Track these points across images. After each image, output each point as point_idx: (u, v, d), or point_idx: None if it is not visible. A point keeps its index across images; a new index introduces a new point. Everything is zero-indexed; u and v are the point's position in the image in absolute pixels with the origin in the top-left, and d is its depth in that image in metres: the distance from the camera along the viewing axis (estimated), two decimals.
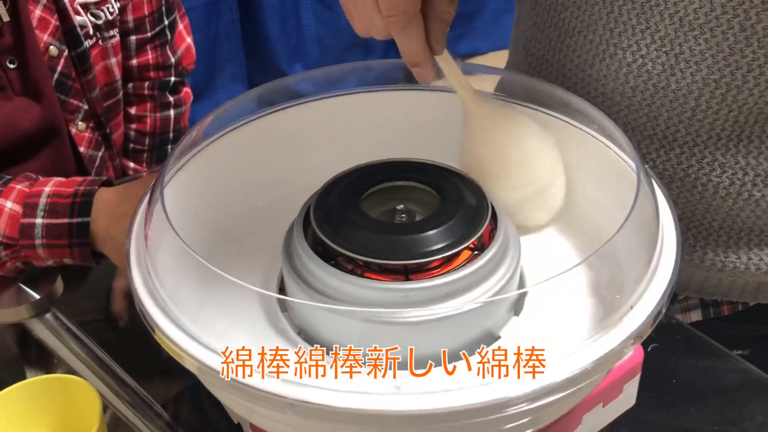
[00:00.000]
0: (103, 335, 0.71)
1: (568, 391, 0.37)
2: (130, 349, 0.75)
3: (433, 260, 0.44)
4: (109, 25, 0.87)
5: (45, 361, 0.79)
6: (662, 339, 0.59)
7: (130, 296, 0.81)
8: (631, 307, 0.40)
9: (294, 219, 0.48)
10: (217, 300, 0.45)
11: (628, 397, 0.52)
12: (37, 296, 0.65)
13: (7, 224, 0.62)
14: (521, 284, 0.49)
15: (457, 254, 0.45)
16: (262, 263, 0.51)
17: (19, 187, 0.64)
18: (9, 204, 0.63)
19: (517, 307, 0.47)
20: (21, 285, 0.66)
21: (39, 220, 0.62)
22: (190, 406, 0.66)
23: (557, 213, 0.53)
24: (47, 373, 0.77)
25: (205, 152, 0.53)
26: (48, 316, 0.65)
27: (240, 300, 0.46)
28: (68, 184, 0.65)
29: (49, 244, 0.63)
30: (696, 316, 0.66)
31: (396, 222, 0.48)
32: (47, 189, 0.64)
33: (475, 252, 0.45)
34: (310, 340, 0.45)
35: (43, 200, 0.63)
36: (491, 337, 0.45)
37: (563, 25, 0.60)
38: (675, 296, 0.66)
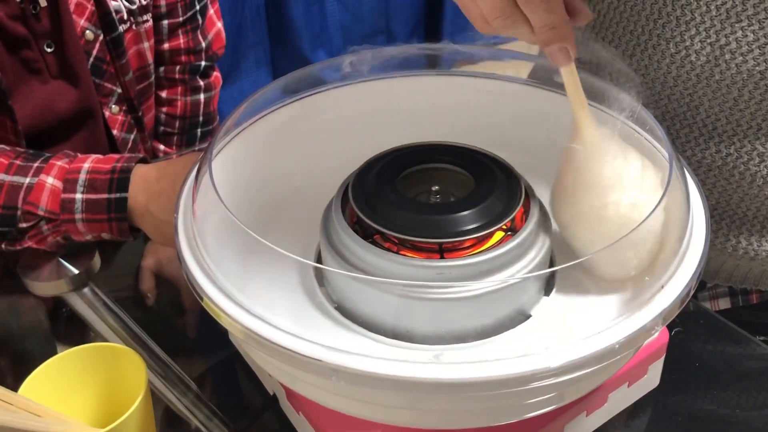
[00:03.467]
0: (133, 313, 0.73)
1: (598, 366, 0.39)
2: (160, 327, 0.77)
3: (467, 239, 0.46)
4: (143, 10, 0.88)
5: (75, 335, 0.82)
6: (685, 323, 0.60)
7: (157, 275, 0.84)
8: (662, 287, 0.41)
9: (332, 197, 0.50)
10: (259, 271, 0.47)
11: (652, 378, 0.54)
12: (76, 271, 0.67)
13: (49, 199, 0.64)
14: (552, 266, 0.50)
15: (490, 234, 0.46)
16: (300, 241, 0.52)
17: (59, 163, 0.66)
18: (50, 180, 0.65)
19: (547, 287, 0.49)
20: (60, 260, 0.68)
21: (79, 196, 0.64)
22: (220, 381, 0.68)
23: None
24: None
25: (245, 134, 0.55)
26: (86, 290, 0.67)
27: (280, 272, 0.48)
28: (106, 160, 0.67)
29: (89, 219, 0.64)
30: (724, 304, 0.67)
31: (431, 202, 0.50)
32: (86, 165, 0.66)
33: (508, 233, 0.47)
34: (348, 314, 0.47)
35: (82, 176, 0.65)
36: (523, 315, 0.47)
37: (599, 17, 0.60)
38: (704, 284, 0.67)
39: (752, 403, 0.56)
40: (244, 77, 1.92)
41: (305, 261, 0.41)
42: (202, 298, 0.42)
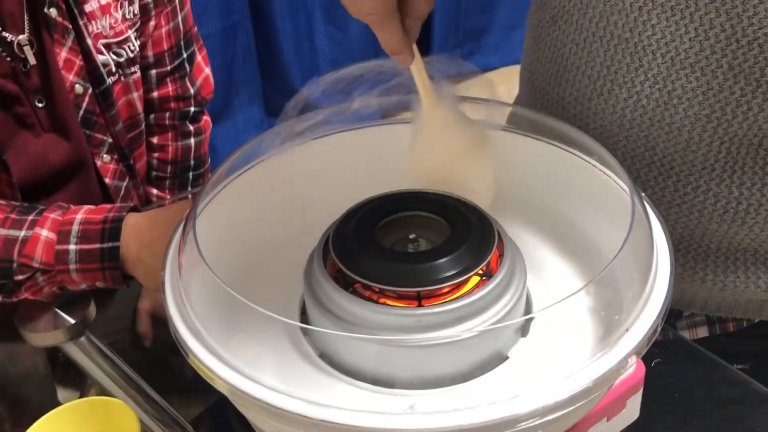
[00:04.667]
0: (131, 355, 0.74)
1: (571, 408, 0.40)
2: (156, 368, 0.78)
3: (444, 286, 0.47)
4: (131, 62, 0.91)
5: (75, 381, 0.83)
6: (665, 354, 0.62)
7: (154, 316, 0.85)
8: (627, 330, 0.43)
9: (314, 248, 0.52)
10: (245, 326, 0.48)
11: (631, 412, 0.55)
12: (73, 321, 0.68)
13: (44, 251, 0.66)
14: (528, 306, 0.52)
15: (467, 280, 0.48)
16: (285, 289, 0.54)
17: (52, 216, 0.68)
18: (44, 232, 0.67)
19: (524, 328, 0.50)
20: (56, 310, 0.69)
21: (72, 246, 0.66)
22: (216, 423, 0.69)
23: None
24: (77, 391, 0.80)
25: (232, 185, 0.57)
26: (82, 339, 0.68)
27: (266, 325, 0.49)
28: (98, 211, 0.68)
29: (83, 269, 0.66)
30: (702, 332, 0.68)
31: (409, 251, 0.51)
32: (79, 216, 0.68)
33: (484, 278, 0.49)
34: (331, 362, 0.49)
35: (75, 227, 0.67)
36: (500, 358, 0.48)
37: (562, 61, 0.63)
38: (681, 313, 0.68)
39: (733, 431, 0.57)
40: (237, 114, 1.95)
41: (289, 321, 0.43)
42: (188, 355, 0.44)
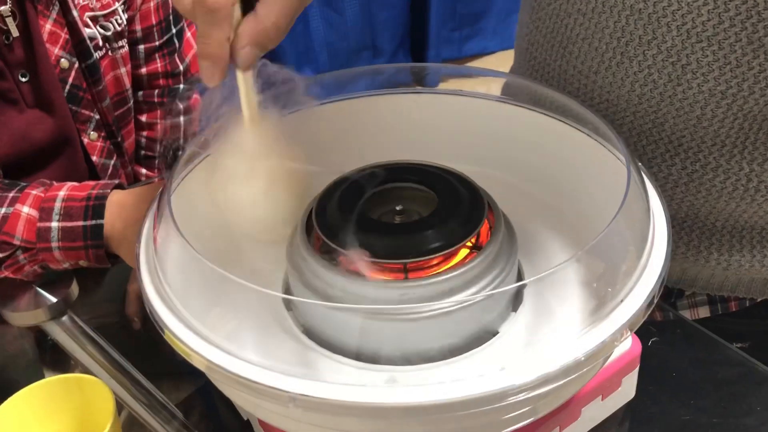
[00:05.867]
0: (118, 338, 0.73)
1: (563, 381, 0.38)
2: (145, 351, 0.77)
3: (432, 258, 0.45)
4: (118, 35, 0.89)
5: (62, 363, 0.81)
6: (662, 333, 0.60)
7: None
8: (621, 301, 0.41)
9: (298, 221, 0.50)
10: (225, 300, 0.46)
11: (627, 390, 0.53)
12: (54, 299, 0.66)
13: (25, 228, 0.64)
14: (519, 280, 0.50)
15: (455, 252, 0.46)
16: (267, 263, 0.52)
17: (34, 192, 0.66)
18: (26, 209, 0.65)
19: (515, 303, 0.49)
20: (38, 289, 0.68)
21: (55, 224, 0.64)
22: (203, 406, 0.67)
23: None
24: (65, 374, 0.79)
25: (211, 159, 0.55)
26: (64, 318, 0.67)
27: (246, 300, 0.48)
28: (81, 188, 0.67)
29: (65, 247, 0.65)
30: (704, 312, 0.67)
31: (396, 222, 0.50)
32: (61, 193, 0.66)
33: (473, 250, 0.47)
34: (314, 337, 0.47)
35: (57, 204, 0.65)
36: (490, 333, 0.47)
37: (566, 32, 0.60)
38: (682, 292, 0.67)
39: (730, 412, 0.55)
40: None
41: (269, 292, 0.41)
42: (163, 331, 0.42)
